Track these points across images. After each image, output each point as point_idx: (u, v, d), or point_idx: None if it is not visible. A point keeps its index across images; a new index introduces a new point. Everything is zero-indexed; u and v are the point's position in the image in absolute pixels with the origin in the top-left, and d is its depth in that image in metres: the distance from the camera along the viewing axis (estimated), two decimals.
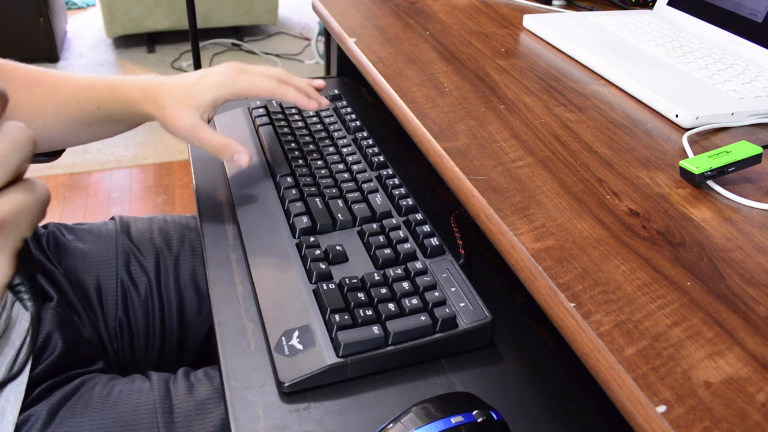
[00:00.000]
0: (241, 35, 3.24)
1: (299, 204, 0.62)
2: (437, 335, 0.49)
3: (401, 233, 0.58)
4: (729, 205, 0.52)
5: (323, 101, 0.66)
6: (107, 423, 0.54)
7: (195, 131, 0.59)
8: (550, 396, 0.49)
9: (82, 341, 0.63)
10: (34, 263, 0.37)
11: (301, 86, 0.66)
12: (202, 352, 0.73)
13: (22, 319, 0.58)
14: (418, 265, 0.54)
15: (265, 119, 0.78)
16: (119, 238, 0.74)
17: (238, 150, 0.60)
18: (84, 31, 3.35)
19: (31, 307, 0.36)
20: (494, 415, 0.39)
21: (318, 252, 0.56)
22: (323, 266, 0.54)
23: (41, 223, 0.68)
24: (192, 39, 1.52)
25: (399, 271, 0.54)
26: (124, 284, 0.71)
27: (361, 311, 0.50)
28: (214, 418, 0.55)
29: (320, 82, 0.70)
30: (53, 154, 0.68)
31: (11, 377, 0.45)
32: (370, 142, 0.73)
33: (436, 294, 0.52)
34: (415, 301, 0.51)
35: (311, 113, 0.80)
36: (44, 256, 0.68)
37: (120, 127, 0.66)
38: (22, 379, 0.55)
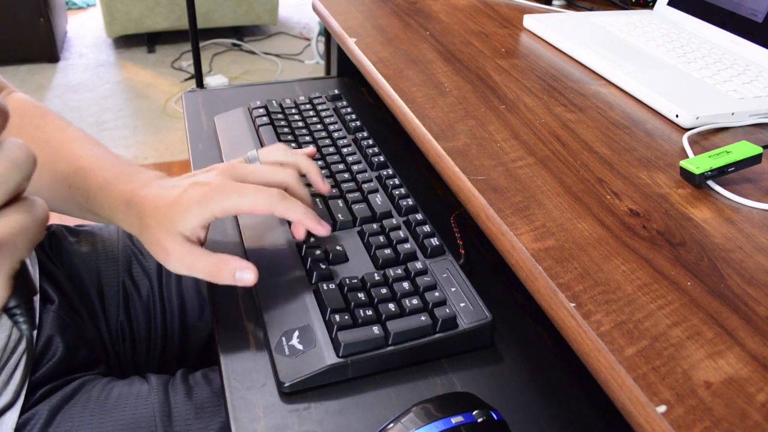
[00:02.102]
0: (241, 35, 3.25)
1: None
2: (437, 335, 0.49)
3: (401, 233, 0.58)
4: (729, 205, 0.52)
5: (325, 227, 0.54)
6: (105, 427, 0.54)
7: (182, 259, 0.48)
8: (550, 396, 0.49)
9: (84, 344, 0.63)
10: (30, 285, 0.36)
11: (306, 199, 0.55)
12: (204, 355, 0.73)
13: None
14: (419, 265, 0.54)
15: (265, 119, 0.78)
16: (121, 240, 0.74)
17: (239, 266, 0.48)
18: (84, 31, 3.35)
19: (26, 330, 0.36)
20: (494, 415, 0.39)
21: (318, 252, 0.56)
22: (323, 266, 0.54)
23: None
24: (192, 39, 1.51)
25: (399, 271, 0.54)
26: (126, 287, 0.71)
27: (361, 311, 0.50)
28: (213, 422, 0.55)
29: (311, 149, 0.61)
30: None
31: (6, 407, 0.45)
32: (370, 142, 0.73)
33: (436, 294, 0.52)
34: (415, 301, 0.51)
35: (311, 113, 0.80)
36: (46, 257, 0.68)
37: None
38: (20, 402, 0.54)
